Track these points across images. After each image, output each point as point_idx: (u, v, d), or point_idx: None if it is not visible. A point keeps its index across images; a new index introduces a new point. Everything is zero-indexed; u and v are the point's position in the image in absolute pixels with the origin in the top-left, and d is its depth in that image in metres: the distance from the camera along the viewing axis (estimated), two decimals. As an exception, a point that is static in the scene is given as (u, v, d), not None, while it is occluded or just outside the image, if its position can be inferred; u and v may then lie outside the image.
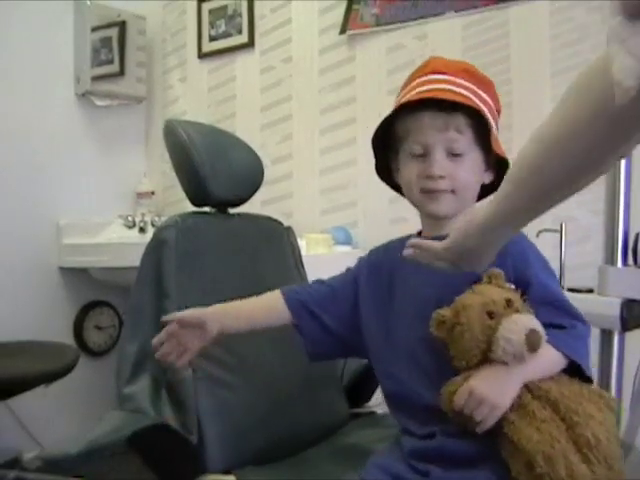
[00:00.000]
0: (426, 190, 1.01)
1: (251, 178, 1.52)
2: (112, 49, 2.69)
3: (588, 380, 0.93)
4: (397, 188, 1.12)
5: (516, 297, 0.92)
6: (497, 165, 1.04)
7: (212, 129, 1.57)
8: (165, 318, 1.08)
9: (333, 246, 2.17)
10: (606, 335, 1.46)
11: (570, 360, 0.92)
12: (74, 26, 2.57)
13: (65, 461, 1.04)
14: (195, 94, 2.82)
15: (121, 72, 2.74)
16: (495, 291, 0.92)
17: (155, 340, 1.05)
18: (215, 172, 1.40)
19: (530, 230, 0.98)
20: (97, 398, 2.39)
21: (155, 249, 1.33)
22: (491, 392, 0.86)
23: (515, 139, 1.84)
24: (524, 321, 0.87)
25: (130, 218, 2.65)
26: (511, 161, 0.91)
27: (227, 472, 1.22)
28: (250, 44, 2.62)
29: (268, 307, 1.14)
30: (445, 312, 0.92)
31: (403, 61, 2.22)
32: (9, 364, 1.86)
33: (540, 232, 1.56)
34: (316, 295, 1.15)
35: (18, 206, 2.37)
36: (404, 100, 1.02)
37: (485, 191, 1.06)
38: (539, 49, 1.99)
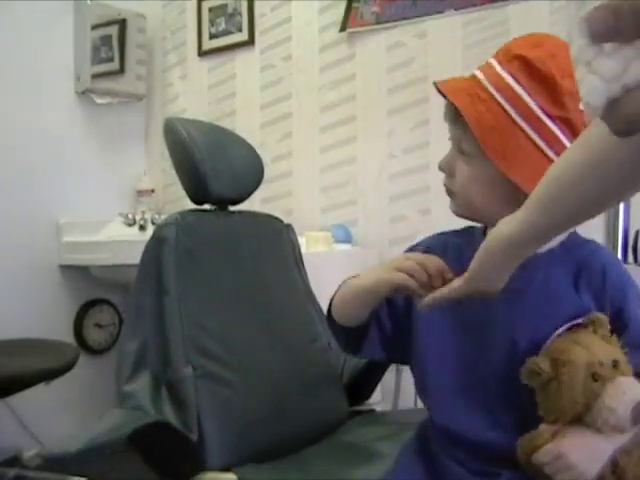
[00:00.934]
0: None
1: (251, 176, 1.52)
2: (112, 47, 2.69)
3: None
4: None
5: (622, 356, 0.83)
6: None
7: (212, 127, 1.57)
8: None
9: (333, 244, 2.17)
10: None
11: None
12: (74, 24, 2.58)
13: (65, 459, 1.04)
14: (195, 92, 2.82)
15: (121, 70, 2.74)
16: (602, 347, 0.82)
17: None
18: (215, 170, 1.40)
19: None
20: (97, 396, 2.39)
21: (155, 247, 1.33)
22: (582, 461, 0.79)
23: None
24: (632, 391, 0.79)
25: (130, 216, 2.65)
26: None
27: (227, 470, 1.22)
28: (250, 42, 2.62)
29: None
30: (543, 363, 0.81)
31: (403, 59, 2.21)
32: (9, 362, 1.86)
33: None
34: None
35: (18, 204, 2.37)
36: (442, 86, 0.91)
37: None
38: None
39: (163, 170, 2.83)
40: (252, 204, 1.54)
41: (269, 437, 1.32)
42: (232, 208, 1.50)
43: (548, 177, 0.71)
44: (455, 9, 2.10)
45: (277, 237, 1.58)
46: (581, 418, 0.81)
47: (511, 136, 0.83)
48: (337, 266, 2.05)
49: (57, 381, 1.86)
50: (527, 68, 0.84)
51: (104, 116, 2.71)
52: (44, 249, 2.46)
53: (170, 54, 2.90)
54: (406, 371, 1.07)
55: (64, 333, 2.47)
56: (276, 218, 1.59)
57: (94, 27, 2.59)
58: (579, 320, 0.85)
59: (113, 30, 2.69)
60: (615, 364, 0.81)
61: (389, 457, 1.04)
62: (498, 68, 0.86)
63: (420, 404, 1.02)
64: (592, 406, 0.80)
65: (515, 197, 0.83)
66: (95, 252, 2.41)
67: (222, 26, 2.69)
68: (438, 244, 0.99)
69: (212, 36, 2.73)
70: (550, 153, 0.84)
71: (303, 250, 1.66)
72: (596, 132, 0.62)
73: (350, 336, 0.98)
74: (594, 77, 0.39)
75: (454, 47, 2.10)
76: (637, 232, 1.42)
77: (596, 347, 0.82)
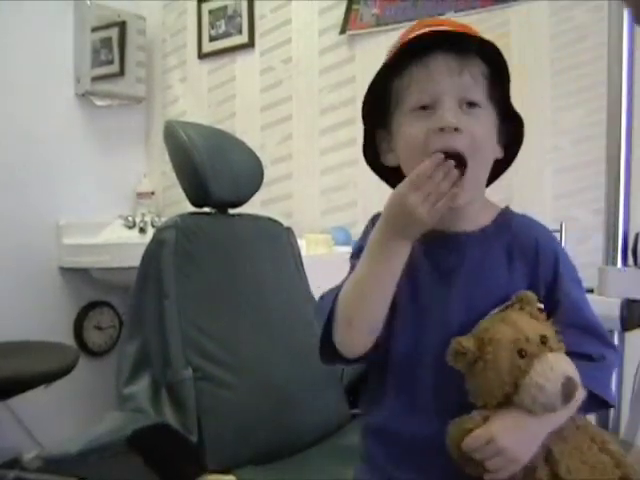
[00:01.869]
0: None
1: (251, 179, 1.52)
2: (112, 49, 2.69)
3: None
4: (385, 176, 0.92)
5: (551, 332, 0.79)
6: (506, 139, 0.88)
7: (212, 130, 1.58)
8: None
9: (333, 246, 2.17)
10: (606, 335, 1.46)
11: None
12: (74, 26, 2.58)
13: (65, 460, 1.04)
14: (195, 94, 2.82)
15: (121, 72, 2.74)
16: (529, 324, 0.78)
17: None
18: (215, 173, 1.40)
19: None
20: (97, 398, 2.39)
21: (155, 249, 1.34)
22: (513, 445, 0.75)
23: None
24: (561, 367, 0.75)
25: (130, 218, 2.65)
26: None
27: (227, 472, 1.22)
28: (250, 44, 2.62)
29: None
30: (467, 342, 0.77)
31: (403, 61, 2.21)
32: (9, 364, 1.86)
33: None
34: None
35: (18, 206, 2.37)
36: (408, 38, 0.82)
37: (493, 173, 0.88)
38: (539, 49, 1.99)
39: (163, 172, 2.83)
40: (252, 206, 1.54)
41: (269, 439, 1.32)
42: (232, 211, 1.50)
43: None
44: (455, 11, 2.10)
45: (277, 240, 1.58)
46: (511, 400, 0.77)
47: None
48: (337, 268, 2.05)
49: (57, 383, 1.86)
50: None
51: (104, 118, 2.71)
52: (44, 251, 2.46)
53: (170, 56, 2.90)
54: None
55: (64, 335, 2.46)
56: (276, 221, 1.59)
57: (94, 29, 2.60)
58: (509, 302, 0.81)
59: (113, 32, 2.70)
60: (543, 340, 0.77)
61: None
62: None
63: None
64: (520, 385, 0.75)
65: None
66: (95, 254, 2.41)
67: (222, 28, 2.70)
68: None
69: (212, 38, 2.73)
70: None
71: (303, 252, 1.66)
72: None
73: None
74: None
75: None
76: (637, 235, 1.42)
77: (523, 323, 0.78)
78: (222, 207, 1.47)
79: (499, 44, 0.84)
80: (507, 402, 0.77)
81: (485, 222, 0.86)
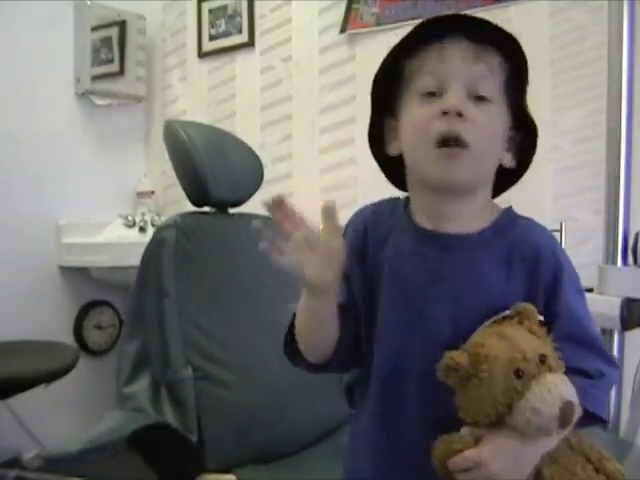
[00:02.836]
0: (442, 140, 0.75)
1: (251, 178, 1.53)
2: (112, 48, 2.69)
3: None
4: (389, 168, 0.89)
5: (550, 350, 0.74)
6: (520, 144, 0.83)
7: (212, 130, 1.58)
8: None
9: (333, 246, 2.16)
10: (606, 335, 1.46)
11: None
12: (74, 25, 2.57)
13: (65, 460, 1.04)
14: (195, 93, 2.82)
15: (121, 71, 2.74)
16: (527, 340, 0.73)
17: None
18: (215, 173, 1.40)
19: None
20: (97, 398, 2.39)
21: (155, 249, 1.34)
22: (504, 471, 0.71)
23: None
24: (559, 390, 0.70)
25: (130, 217, 2.65)
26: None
27: (227, 471, 1.22)
28: (250, 43, 2.62)
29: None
30: (461, 358, 0.71)
31: (403, 61, 2.21)
32: (9, 363, 1.86)
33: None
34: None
35: (18, 205, 2.37)
36: (424, 20, 0.78)
37: (502, 182, 0.85)
38: (539, 49, 1.99)
39: (163, 172, 2.83)
40: (252, 206, 1.54)
41: (269, 439, 1.32)
42: (232, 210, 1.50)
43: None
44: (455, 10, 2.10)
45: (277, 239, 1.58)
46: (503, 420, 0.72)
47: None
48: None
49: (57, 382, 1.86)
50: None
51: (104, 118, 2.71)
52: (44, 251, 2.46)
53: (170, 56, 2.90)
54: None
55: (64, 335, 2.46)
56: (276, 220, 1.59)
57: (94, 29, 2.60)
58: (507, 312, 0.76)
59: (113, 32, 2.69)
60: (542, 359, 0.72)
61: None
62: None
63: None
64: (514, 407, 0.70)
65: (498, 160, 0.81)
66: (95, 254, 2.41)
67: (222, 27, 2.70)
68: (359, 224, 0.90)
69: (212, 37, 2.73)
70: None
71: (303, 252, 1.66)
72: None
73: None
74: None
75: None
76: (637, 234, 1.42)
77: (521, 340, 0.72)
78: (222, 206, 1.47)
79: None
80: (499, 422, 0.72)
81: (484, 224, 0.82)
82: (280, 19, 2.56)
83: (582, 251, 1.83)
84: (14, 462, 2.22)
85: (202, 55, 2.78)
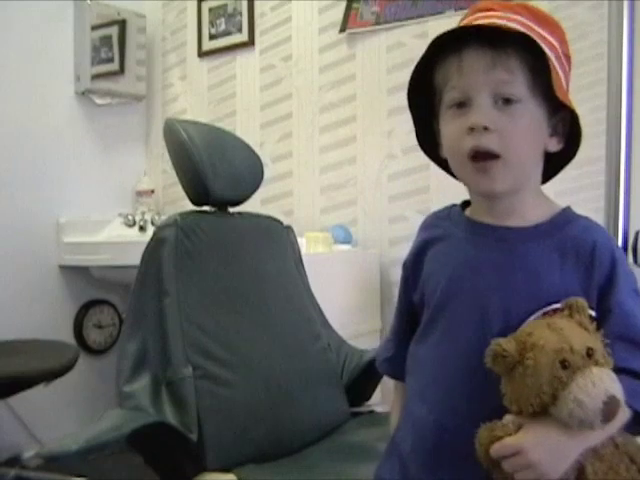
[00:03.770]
0: (474, 155, 0.78)
1: (251, 177, 1.52)
2: (112, 47, 2.69)
3: None
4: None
5: (599, 345, 0.74)
6: (569, 124, 0.84)
7: (212, 128, 1.58)
8: None
9: (333, 245, 2.17)
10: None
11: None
12: (74, 24, 2.58)
13: (65, 458, 1.04)
14: (195, 92, 2.82)
15: (121, 70, 2.74)
16: (576, 333, 0.73)
17: None
18: (215, 171, 1.40)
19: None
20: (97, 396, 2.39)
21: (155, 248, 1.33)
22: (544, 460, 0.71)
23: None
24: (605, 383, 0.70)
25: (130, 216, 2.65)
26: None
27: (227, 470, 1.22)
28: (250, 42, 2.62)
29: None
30: (508, 345, 0.72)
31: (403, 59, 2.21)
32: (9, 362, 1.86)
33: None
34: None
35: (18, 204, 2.38)
36: (440, 34, 0.80)
37: (552, 165, 0.86)
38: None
39: (163, 171, 2.83)
40: (252, 205, 1.54)
41: (269, 438, 1.32)
42: (232, 209, 1.50)
43: None
44: (455, 9, 2.10)
45: (277, 238, 1.58)
46: (547, 410, 0.72)
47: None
48: (337, 267, 2.05)
49: (57, 381, 1.86)
50: (534, 14, 0.82)
51: (104, 117, 2.71)
52: (44, 249, 2.46)
53: (170, 54, 2.90)
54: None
55: (64, 333, 2.47)
56: (276, 220, 1.59)
57: (94, 27, 2.60)
58: (558, 305, 0.76)
59: (113, 30, 2.69)
60: (590, 352, 0.72)
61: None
62: (511, 17, 0.81)
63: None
64: (558, 397, 0.70)
65: (541, 151, 0.82)
66: (95, 253, 2.42)
67: (222, 27, 2.70)
68: (420, 246, 0.91)
69: (212, 36, 2.73)
70: (565, 88, 0.82)
71: (303, 251, 1.66)
72: None
73: None
74: None
75: (454, 47, 2.10)
76: (637, 232, 1.42)
77: (570, 332, 0.73)
78: (222, 205, 1.47)
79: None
80: (543, 411, 0.72)
81: (540, 219, 0.83)
82: (280, 18, 2.56)
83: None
84: (14, 461, 2.22)
85: (202, 54, 2.78)
